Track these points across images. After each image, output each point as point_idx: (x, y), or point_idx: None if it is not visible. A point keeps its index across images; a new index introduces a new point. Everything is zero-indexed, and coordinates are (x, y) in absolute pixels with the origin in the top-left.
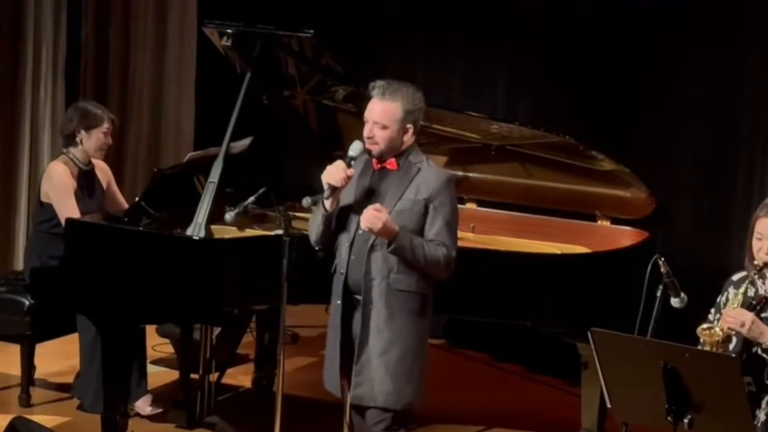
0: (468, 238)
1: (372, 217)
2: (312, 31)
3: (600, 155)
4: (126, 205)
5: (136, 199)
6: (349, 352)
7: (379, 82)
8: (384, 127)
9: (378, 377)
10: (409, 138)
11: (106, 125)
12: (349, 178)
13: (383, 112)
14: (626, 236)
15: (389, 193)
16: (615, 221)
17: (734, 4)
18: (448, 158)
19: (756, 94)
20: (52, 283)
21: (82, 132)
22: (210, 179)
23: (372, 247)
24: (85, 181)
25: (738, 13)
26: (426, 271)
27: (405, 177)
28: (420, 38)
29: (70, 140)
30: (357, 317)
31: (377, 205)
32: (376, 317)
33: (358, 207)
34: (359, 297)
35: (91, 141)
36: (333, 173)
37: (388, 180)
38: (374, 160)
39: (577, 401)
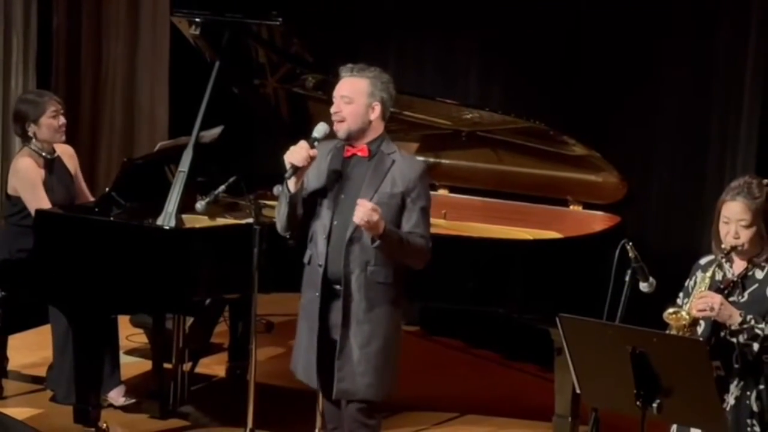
0: (440, 225)
1: (370, 211)
2: (280, 19)
3: (571, 140)
4: (89, 195)
5: (107, 189)
6: (326, 344)
7: (349, 65)
8: (350, 101)
9: (360, 370)
10: (376, 119)
11: (51, 108)
12: (311, 158)
13: (351, 86)
14: (598, 221)
15: (364, 184)
16: (587, 206)
17: None
18: (419, 145)
19: (726, 82)
20: (20, 275)
21: (31, 126)
22: (180, 168)
23: (350, 240)
24: (52, 169)
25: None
26: (407, 263)
27: (379, 168)
28: (392, 26)
29: (26, 137)
30: (336, 308)
31: (365, 201)
32: (356, 309)
33: (329, 197)
34: (339, 287)
35: (43, 129)
36: (295, 152)
37: (359, 169)
38: (346, 148)
39: (550, 387)
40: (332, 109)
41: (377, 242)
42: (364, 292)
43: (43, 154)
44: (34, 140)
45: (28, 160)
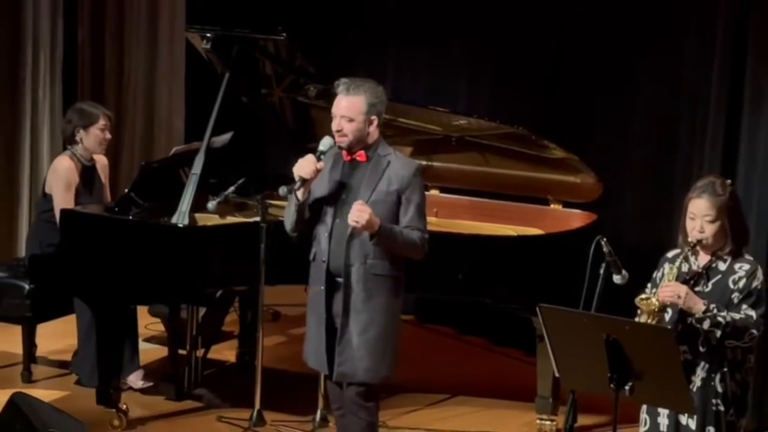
0: (431, 222)
1: (358, 212)
2: (284, 34)
3: (551, 144)
4: (110, 200)
5: (126, 190)
6: (331, 332)
7: (344, 80)
8: (351, 120)
9: (358, 355)
10: (374, 129)
11: (102, 122)
12: (318, 171)
13: (349, 106)
14: (576, 219)
15: (362, 185)
16: (566, 205)
17: (675, 7)
18: (413, 149)
19: (693, 94)
20: (48, 268)
21: (81, 131)
22: (193, 171)
23: (351, 235)
24: (87, 176)
25: (678, 15)
26: (404, 255)
27: (376, 169)
28: (389, 40)
29: (72, 140)
30: (338, 299)
31: (361, 201)
32: (355, 299)
33: (332, 199)
34: (340, 280)
35: (90, 138)
36: (303, 166)
37: (359, 172)
38: (344, 153)
39: (533, 371)
40: (334, 127)
41: (374, 239)
42: (363, 284)
43: (82, 160)
44: (78, 145)
45: (68, 162)
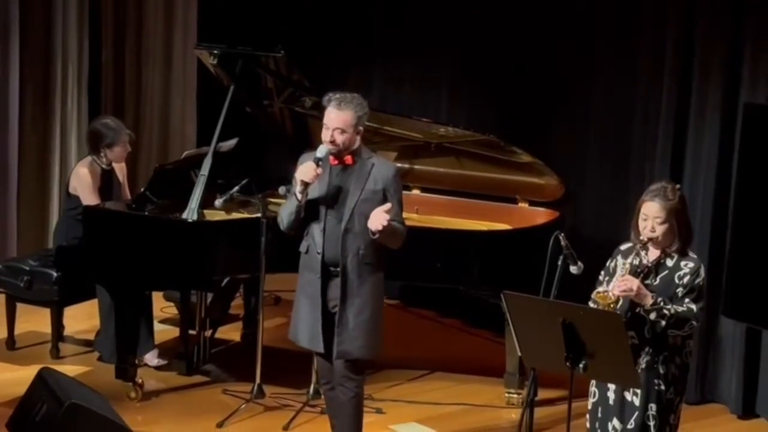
0: (413, 219)
1: (382, 218)
2: (283, 52)
3: (519, 150)
4: (129, 197)
5: (142, 189)
6: (325, 315)
7: (334, 95)
8: (343, 132)
9: (355, 334)
10: (359, 137)
11: (125, 140)
12: (318, 175)
13: (342, 120)
14: (541, 216)
15: (352, 185)
16: (532, 203)
17: (630, 13)
18: (397, 154)
19: (646, 102)
20: (73, 258)
21: (105, 149)
22: (201, 172)
23: (345, 230)
24: (105, 178)
25: (632, 21)
26: (391, 245)
27: (362, 171)
28: (375, 56)
29: (96, 150)
30: (333, 286)
31: (380, 209)
32: (351, 286)
33: (323, 199)
34: (336, 269)
35: (114, 153)
36: (306, 172)
37: (347, 174)
38: (331, 158)
39: (503, 350)
40: (326, 138)
41: (377, 235)
42: (357, 272)
43: (102, 165)
44: (102, 157)
45: (87, 169)
